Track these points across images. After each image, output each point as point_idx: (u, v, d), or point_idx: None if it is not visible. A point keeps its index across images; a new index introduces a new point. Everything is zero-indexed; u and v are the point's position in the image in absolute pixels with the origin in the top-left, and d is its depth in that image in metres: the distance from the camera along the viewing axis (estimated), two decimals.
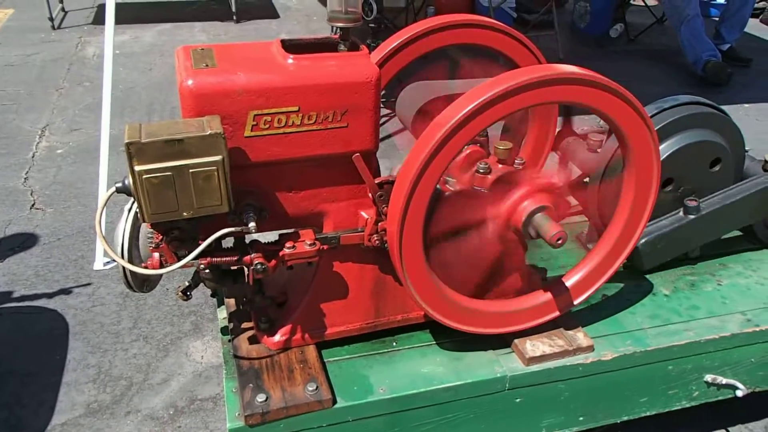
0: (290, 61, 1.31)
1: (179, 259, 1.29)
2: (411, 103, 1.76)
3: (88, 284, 2.77)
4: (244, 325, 1.64)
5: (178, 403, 2.22)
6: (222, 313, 1.73)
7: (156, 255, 1.31)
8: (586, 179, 1.93)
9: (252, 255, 1.33)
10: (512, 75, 1.31)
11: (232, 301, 1.73)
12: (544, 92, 1.31)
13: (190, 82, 1.21)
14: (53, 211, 3.32)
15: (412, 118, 1.73)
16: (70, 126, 4.34)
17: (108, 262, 2.91)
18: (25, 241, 3.07)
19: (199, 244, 1.26)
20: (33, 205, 3.38)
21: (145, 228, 1.47)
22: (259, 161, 1.31)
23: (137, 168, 1.12)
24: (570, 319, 1.69)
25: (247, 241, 1.45)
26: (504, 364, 1.59)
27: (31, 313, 2.61)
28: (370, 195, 1.43)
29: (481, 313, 1.55)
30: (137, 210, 1.42)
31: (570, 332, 1.66)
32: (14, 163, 3.79)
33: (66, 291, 2.73)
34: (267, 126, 1.28)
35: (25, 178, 3.64)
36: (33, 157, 3.90)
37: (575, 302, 1.65)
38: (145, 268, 1.29)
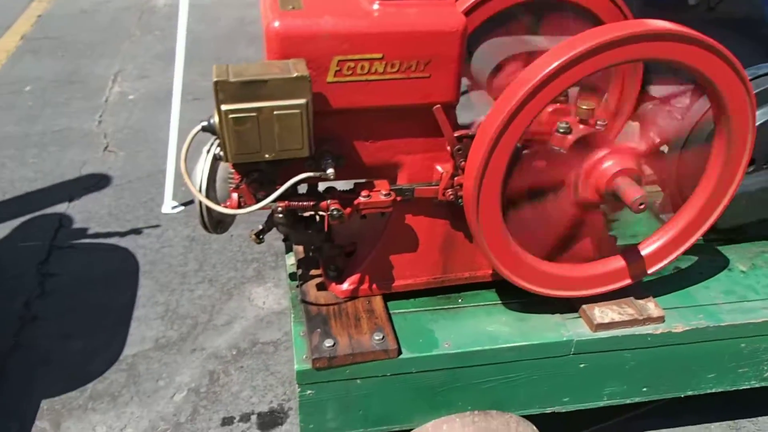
0: (376, 6, 1.28)
1: (257, 201, 1.30)
2: (488, 59, 1.71)
3: (157, 226, 2.85)
4: (312, 272, 1.65)
5: (241, 345, 2.28)
6: (290, 260, 1.75)
7: (235, 195, 1.33)
8: (664, 147, 1.85)
9: (329, 201, 1.34)
10: (604, 29, 1.25)
11: (300, 248, 1.74)
12: (638, 48, 1.24)
13: (276, 24, 1.20)
14: (124, 154, 3.41)
15: (488, 74, 1.69)
16: (140, 73, 4.42)
17: (176, 206, 2.99)
18: (98, 182, 3.17)
19: (278, 188, 1.27)
20: (106, 147, 3.48)
21: (221, 170, 1.49)
22: (339, 108, 1.30)
23: (224, 107, 1.12)
24: (641, 288, 1.64)
25: (320, 188, 1.46)
26: (571, 329, 1.56)
27: (105, 250, 2.71)
28: (447, 148, 1.40)
29: (552, 275, 1.52)
30: (215, 152, 1.44)
31: (640, 301, 1.62)
32: (89, 107, 3.90)
33: (136, 231, 2.82)
34: (350, 72, 1.26)
35: (98, 122, 3.75)
36: (106, 101, 4.00)
37: (649, 271, 1.60)
38: (225, 208, 1.31)
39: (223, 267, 2.61)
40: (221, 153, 1.43)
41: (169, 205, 2.96)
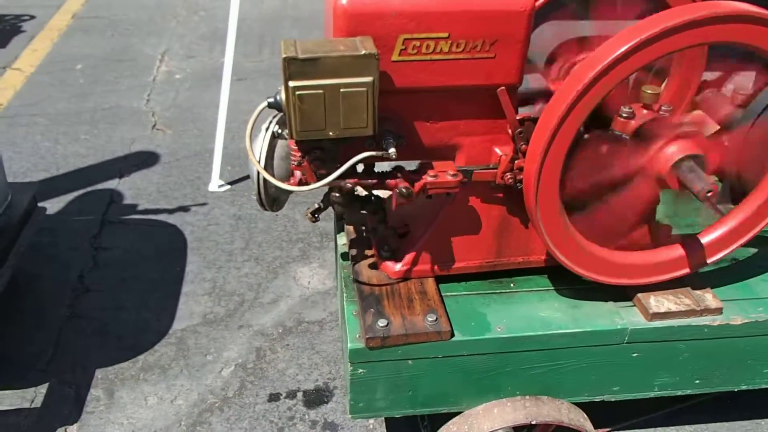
0: None
1: (318, 179, 1.30)
2: (543, 43, 1.69)
3: (204, 204, 2.90)
4: (365, 252, 1.66)
5: (287, 323, 2.31)
6: (342, 239, 1.76)
7: (298, 173, 1.34)
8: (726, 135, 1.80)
9: (397, 179, 1.34)
10: (677, 11, 1.21)
11: (352, 228, 1.75)
12: (713, 31, 1.21)
13: (344, 1, 1.19)
14: (172, 132, 3.47)
15: (543, 58, 1.66)
16: (186, 53, 4.48)
17: (222, 185, 3.03)
18: (147, 159, 3.23)
19: (339, 166, 1.27)
20: (154, 125, 3.54)
21: (279, 148, 1.50)
22: (402, 87, 1.29)
23: (291, 84, 1.13)
24: (698, 278, 1.61)
25: (376, 168, 1.46)
26: (625, 317, 1.54)
27: (154, 226, 2.77)
28: (508, 131, 1.38)
29: (609, 262, 1.50)
30: (274, 130, 1.45)
31: (698, 292, 1.59)
32: (137, 85, 3.96)
33: (184, 209, 2.87)
34: (415, 51, 1.25)
35: (147, 100, 3.81)
36: (154, 80, 4.07)
37: (709, 261, 1.56)
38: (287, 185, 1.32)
39: (268, 246, 2.64)
40: (280, 131, 1.45)
41: (215, 184, 3.00)
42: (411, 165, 1.43)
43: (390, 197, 1.60)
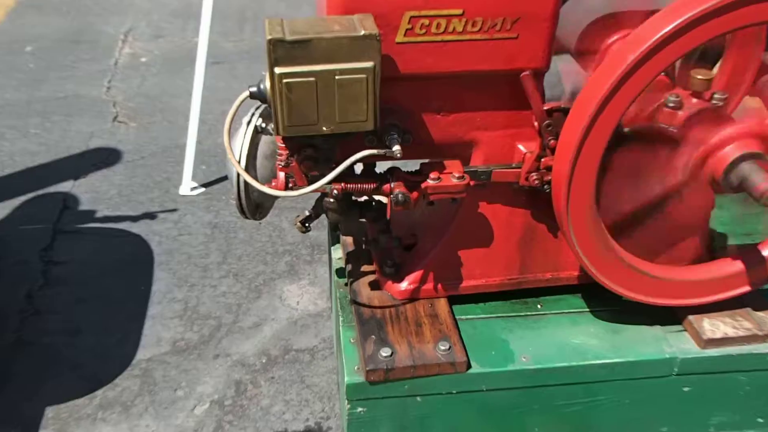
0: None
1: (310, 182, 1.30)
2: (575, 20, 1.68)
3: (174, 210, 2.89)
4: (365, 267, 1.66)
5: (272, 352, 2.30)
6: (337, 253, 1.75)
7: (282, 175, 1.33)
8: None
9: (392, 183, 1.33)
10: None
11: (349, 239, 1.74)
12: None
13: None
14: (137, 125, 3.47)
15: (575, 38, 1.66)
16: (154, 32, 4.49)
17: (195, 188, 3.02)
18: (108, 157, 3.24)
19: (334, 167, 1.27)
20: (116, 117, 3.55)
21: (264, 146, 1.49)
22: (408, 74, 1.29)
23: (277, 70, 1.12)
24: (761, 297, 1.60)
25: (377, 168, 1.45)
26: (673, 344, 1.53)
27: (115, 236, 2.76)
28: (534, 124, 1.38)
29: (654, 279, 1.49)
30: (257, 124, 1.45)
31: (760, 314, 1.58)
32: (97, 70, 3.97)
33: (150, 215, 2.87)
34: (423, 31, 1.25)
35: (107, 87, 3.82)
36: (116, 64, 4.08)
37: None
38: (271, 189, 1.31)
39: (250, 260, 2.64)
40: (264, 125, 1.45)
41: (188, 186, 3.00)
42: (416, 165, 1.43)
43: None
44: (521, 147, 1.43)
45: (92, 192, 3.02)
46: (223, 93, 3.60)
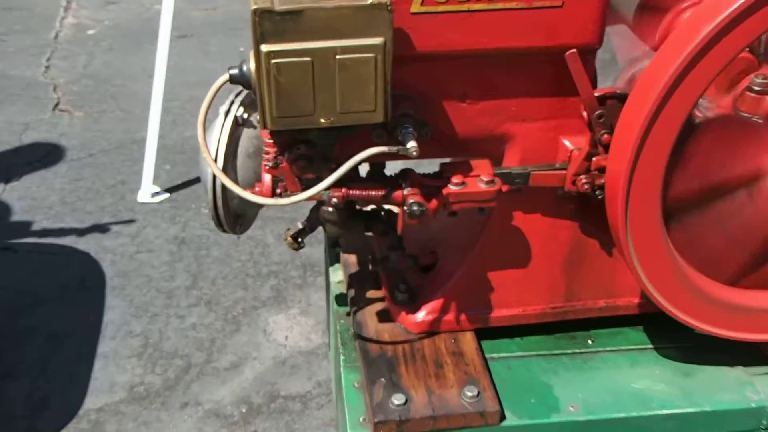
0: None
1: (304, 187, 1.32)
2: None
3: (131, 221, 2.92)
4: (371, 293, 1.67)
5: (254, 399, 2.32)
6: (337, 275, 1.77)
7: (269, 178, 1.35)
8: None
9: (406, 190, 1.35)
10: None
11: (352, 257, 1.77)
12: None
13: None
14: (83, 115, 3.51)
15: (634, 6, 1.68)
16: None
17: (158, 193, 3.06)
18: (47, 155, 3.27)
19: (334, 168, 1.29)
20: (57, 105, 3.59)
21: (246, 141, 1.52)
22: (426, 52, 1.30)
23: (265, 48, 1.14)
24: None
25: (387, 170, 1.47)
26: (761, 390, 1.54)
27: (57, 253, 2.79)
28: (583, 114, 1.39)
29: (735, 308, 1.50)
30: (238, 114, 1.48)
31: None
32: (32, 46, 4.02)
33: (101, 228, 2.90)
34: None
35: (45, 67, 3.86)
36: (56, 38, 4.12)
37: None
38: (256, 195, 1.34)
39: (227, 284, 2.66)
40: (246, 116, 1.47)
41: (148, 192, 3.03)
42: (433, 165, 1.45)
43: None
44: (567, 143, 1.45)
45: (27, 199, 3.05)
46: (192, 74, 3.63)
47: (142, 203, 3.02)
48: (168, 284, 2.66)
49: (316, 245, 2.70)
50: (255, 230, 2.82)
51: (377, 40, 1.17)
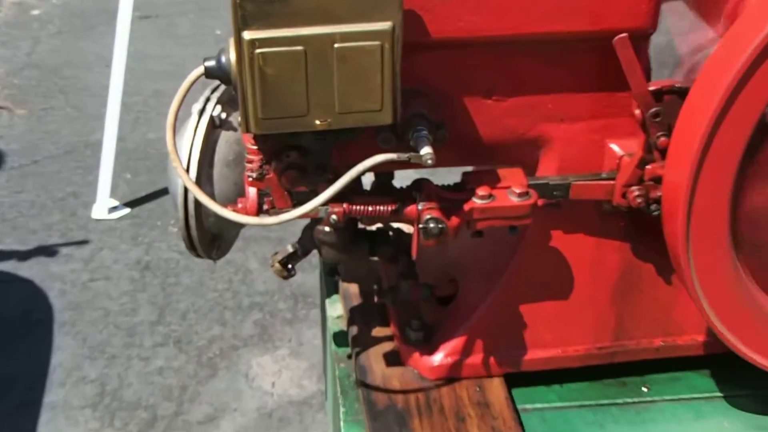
0: None
1: (295, 203, 1.32)
2: None
3: (84, 242, 2.92)
4: (377, 331, 1.68)
5: None
6: (335, 308, 1.77)
7: (253, 192, 1.35)
8: None
9: (420, 204, 1.35)
10: None
11: (354, 287, 1.76)
12: None
13: None
14: (26, 113, 3.51)
15: None
16: None
17: (116, 208, 3.06)
18: None
19: (331, 179, 1.28)
20: None
21: (224, 147, 1.52)
22: (443, 38, 1.30)
23: (248, 35, 1.14)
24: None
25: (396, 181, 1.47)
26: None
27: None
28: (635, 112, 1.39)
29: None
30: (215, 114, 1.48)
31: None
32: None
33: (48, 251, 2.89)
34: None
35: None
36: None
37: None
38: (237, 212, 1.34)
39: (200, 318, 2.66)
40: (225, 115, 1.48)
41: (104, 206, 3.03)
42: (453, 175, 1.45)
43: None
44: (615, 147, 1.45)
45: None
46: (157, 63, 3.64)
47: (98, 220, 3.02)
48: (129, 319, 2.66)
49: (309, 271, 2.70)
50: (235, 253, 2.81)
51: (384, 25, 1.17)
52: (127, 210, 3.00)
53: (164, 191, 2.98)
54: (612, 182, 1.45)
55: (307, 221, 1.54)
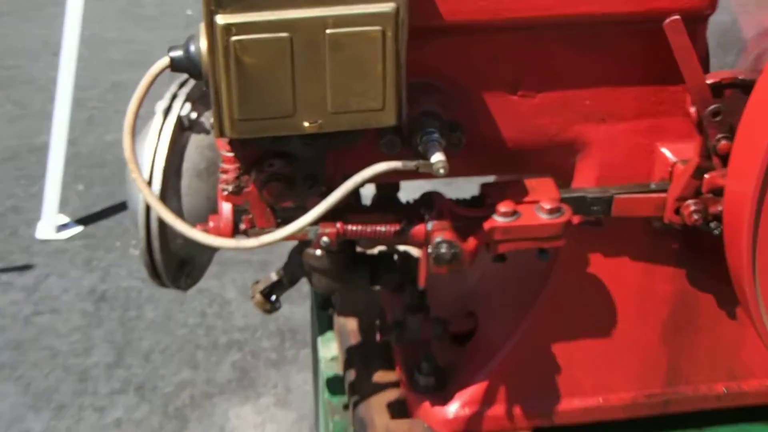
0: None
1: (280, 222, 1.32)
2: None
3: (27, 267, 2.92)
4: (379, 376, 1.68)
5: None
6: (329, 348, 1.77)
7: (228, 209, 1.36)
8: None
9: (430, 223, 1.35)
10: None
11: (351, 323, 1.77)
12: None
13: None
14: None
15: None
16: None
17: (65, 226, 3.06)
18: None
19: (324, 192, 1.29)
20: None
21: (194, 153, 1.53)
22: (457, 22, 1.31)
23: (222, 20, 1.14)
24: None
25: (402, 194, 1.48)
26: None
27: None
28: (690, 110, 1.40)
29: None
30: (183, 114, 1.49)
31: None
32: None
33: None
34: None
35: None
36: None
37: None
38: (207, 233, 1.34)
39: (167, 360, 2.65)
40: (195, 115, 1.48)
41: (51, 224, 3.03)
42: (471, 183, 1.45)
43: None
44: (666, 152, 1.45)
45: None
46: (117, 50, 3.65)
47: (43, 241, 3.03)
48: (81, 361, 2.66)
49: (299, 303, 2.70)
50: (209, 280, 2.82)
51: (386, 7, 1.17)
52: (80, 228, 3.01)
53: (124, 205, 2.97)
54: (663, 195, 1.45)
55: (294, 243, 1.54)
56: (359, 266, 1.55)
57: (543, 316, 1.56)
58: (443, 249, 1.33)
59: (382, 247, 1.54)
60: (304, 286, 1.72)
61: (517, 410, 1.59)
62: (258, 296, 1.56)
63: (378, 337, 1.70)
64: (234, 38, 1.16)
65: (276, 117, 1.22)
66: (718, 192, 1.42)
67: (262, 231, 1.35)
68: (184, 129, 1.48)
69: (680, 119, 1.43)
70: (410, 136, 1.32)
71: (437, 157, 1.28)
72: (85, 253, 2.97)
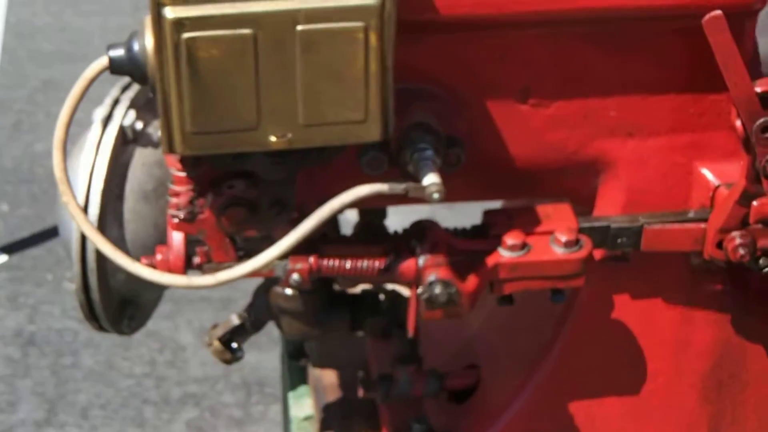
0: None
1: (242, 254, 1.33)
2: None
3: None
4: None
5: None
6: (303, 405, 1.78)
7: (179, 239, 1.36)
8: None
9: (422, 258, 1.36)
10: None
11: (329, 376, 1.77)
12: None
13: None
14: None
15: None
16: None
17: None
18: None
19: (296, 219, 1.29)
20: None
21: (140, 171, 1.53)
22: (455, 16, 1.32)
23: (171, 13, 1.15)
24: None
25: (389, 222, 1.48)
26: None
27: None
28: (736, 124, 1.41)
29: None
30: (127, 124, 1.49)
31: None
32: None
33: None
34: None
35: None
36: None
37: None
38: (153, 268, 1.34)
39: (108, 417, 2.66)
40: (139, 125, 1.49)
41: None
42: (474, 209, 1.46)
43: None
44: (707, 174, 1.46)
45: None
46: (48, 40, 3.67)
47: None
48: (5, 418, 2.66)
49: (267, 349, 2.70)
50: (160, 321, 2.82)
51: (368, 1, 1.19)
52: (3, 258, 3.01)
53: (55, 231, 2.98)
54: (702, 225, 1.45)
55: (260, 281, 1.54)
56: (337, 308, 1.55)
57: (558, 371, 1.56)
58: (437, 290, 1.33)
59: (365, 286, 1.54)
60: (273, 329, 1.72)
61: None
62: (216, 343, 1.55)
63: (360, 393, 1.70)
64: (186, 35, 1.16)
65: (236, 130, 1.22)
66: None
67: (220, 266, 1.35)
68: (127, 142, 1.48)
69: (724, 134, 1.44)
70: (398, 153, 1.33)
71: (431, 179, 1.28)
72: (9, 288, 2.97)
